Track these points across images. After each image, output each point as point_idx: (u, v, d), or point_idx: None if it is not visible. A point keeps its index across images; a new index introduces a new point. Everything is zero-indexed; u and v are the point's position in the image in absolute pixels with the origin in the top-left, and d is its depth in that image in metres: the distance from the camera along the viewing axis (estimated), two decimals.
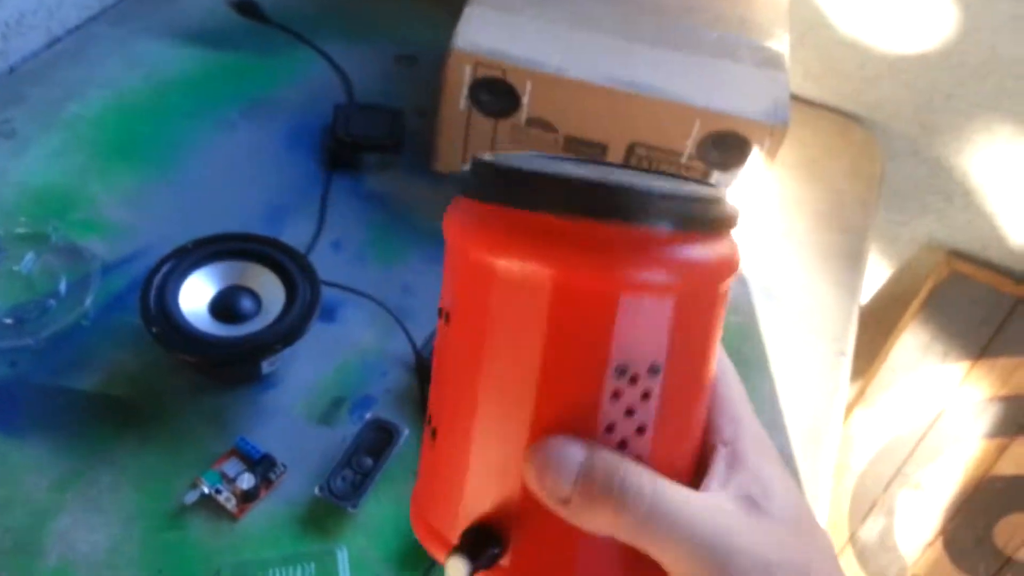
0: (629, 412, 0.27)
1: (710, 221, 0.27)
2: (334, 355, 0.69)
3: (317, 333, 0.68)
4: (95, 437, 0.62)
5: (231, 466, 0.61)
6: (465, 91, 0.75)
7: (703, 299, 0.28)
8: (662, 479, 0.27)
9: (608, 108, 0.73)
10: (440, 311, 0.30)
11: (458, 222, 0.28)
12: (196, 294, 0.64)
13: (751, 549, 0.26)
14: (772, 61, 0.78)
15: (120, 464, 0.61)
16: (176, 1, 0.98)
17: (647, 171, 0.33)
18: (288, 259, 0.66)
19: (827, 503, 0.71)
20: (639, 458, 0.27)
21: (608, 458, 0.26)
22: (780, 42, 0.80)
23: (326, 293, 0.71)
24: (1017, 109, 0.94)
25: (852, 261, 0.87)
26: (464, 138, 0.79)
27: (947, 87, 0.96)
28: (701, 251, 0.27)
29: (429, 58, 0.94)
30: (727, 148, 0.74)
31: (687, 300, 0.27)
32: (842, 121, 1.02)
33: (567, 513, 0.26)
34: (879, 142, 1.01)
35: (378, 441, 0.63)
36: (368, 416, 0.65)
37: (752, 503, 0.28)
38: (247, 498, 0.60)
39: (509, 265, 0.26)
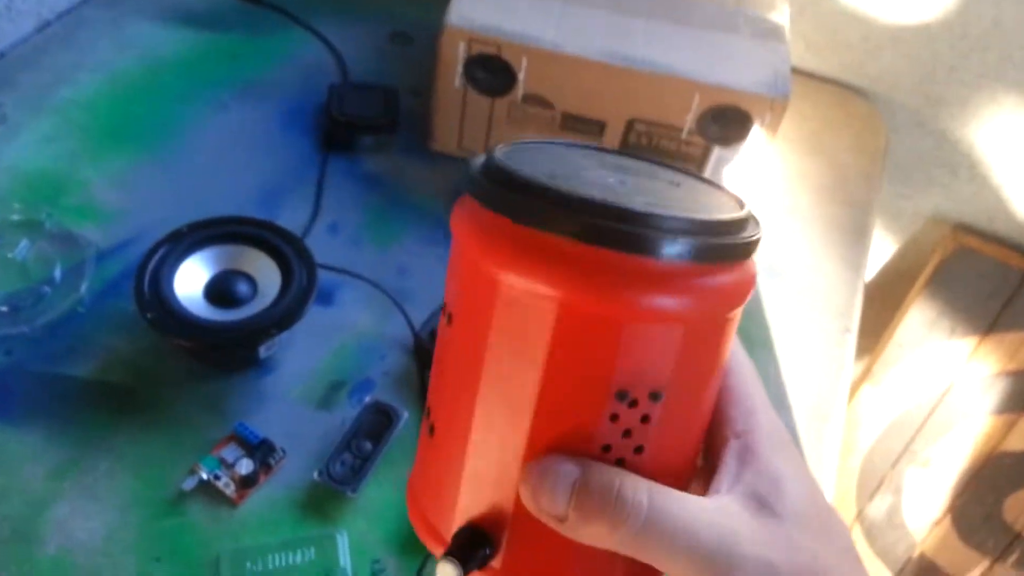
0: (627, 433, 0.27)
1: (726, 252, 0.26)
2: (332, 339, 0.69)
3: (315, 317, 0.67)
4: (92, 424, 0.62)
5: (230, 452, 0.61)
6: (460, 69, 0.74)
7: (712, 327, 0.27)
8: (660, 489, 0.26)
9: (606, 84, 0.72)
10: (443, 307, 0.29)
11: (466, 226, 0.27)
12: (191, 279, 0.63)
13: (756, 554, 0.25)
14: (772, 33, 0.76)
15: (117, 451, 0.61)
16: None
17: (671, 168, 0.32)
18: (284, 242, 0.65)
19: (833, 481, 0.70)
20: (637, 473, 0.27)
21: (602, 474, 0.26)
22: (780, 14, 0.78)
23: (323, 276, 0.71)
24: (1021, 79, 0.93)
25: (856, 236, 0.86)
26: (460, 117, 0.78)
27: (950, 58, 0.94)
28: (714, 282, 0.26)
29: (424, 36, 0.93)
30: (727, 122, 0.73)
31: (695, 328, 0.26)
32: (844, 94, 1.00)
33: (564, 529, 0.26)
34: (882, 115, 1.00)
35: (377, 424, 0.63)
36: (367, 400, 0.64)
37: (761, 503, 0.27)
38: (246, 484, 0.59)
39: (516, 282, 0.25)
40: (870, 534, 1.28)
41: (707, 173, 0.77)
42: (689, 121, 0.73)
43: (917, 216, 1.09)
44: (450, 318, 0.28)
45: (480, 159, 0.28)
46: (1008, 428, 1.12)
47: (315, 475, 0.60)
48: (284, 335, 0.63)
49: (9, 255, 0.69)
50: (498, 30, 0.71)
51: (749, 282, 0.27)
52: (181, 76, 0.87)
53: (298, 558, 0.57)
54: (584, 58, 0.71)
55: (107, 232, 0.72)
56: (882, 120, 0.99)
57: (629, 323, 0.25)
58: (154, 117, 0.82)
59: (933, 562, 1.26)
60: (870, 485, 1.24)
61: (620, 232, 0.24)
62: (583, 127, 0.76)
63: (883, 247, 1.13)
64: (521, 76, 0.73)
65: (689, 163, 0.76)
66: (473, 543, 0.28)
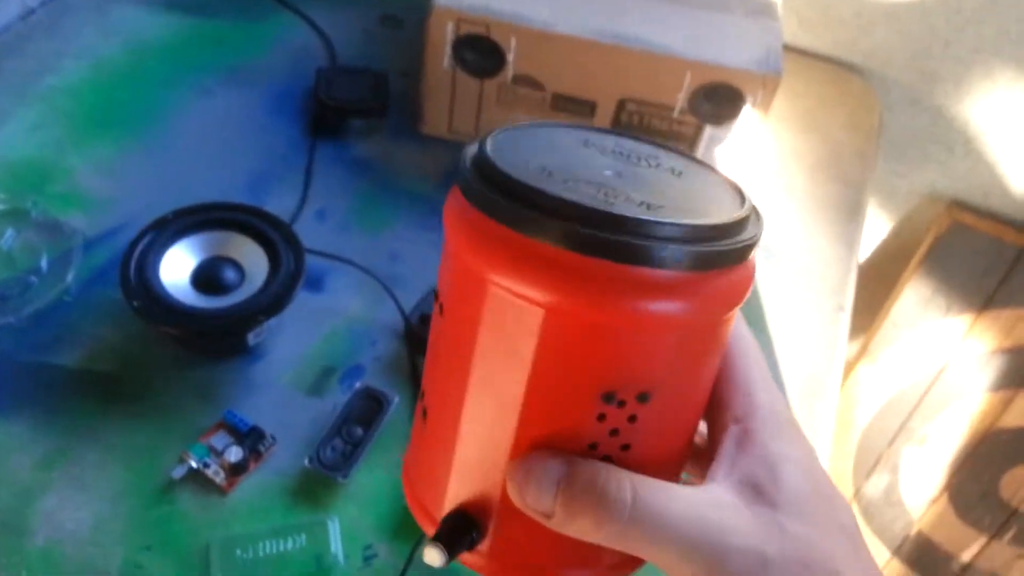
0: (614, 432, 0.26)
1: (721, 259, 0.25)
2: (322, 325, 0.68)
3: (304, 303, 0.67)
4: (80, 414, 0.61)
5: (219, 439, 0.61)
6: (448, 50, 0.73)
7: (706, 329, 0.27)
8: (646, 483, 0.26)
9: (596, 63, 0.71)
10: (436, 296, 0.29)
11: (456, 222, 0.26)
12: (177, 266, 0.63)
13: (745, 545, 0.25)
14: (764, 10, 0.75)
15: (106, 441, 0.60)
16: None
17: (673, 152, 0.31)
18: (271, 228, 0.65)
19: (827, 459, 0.70)
20: (625, 468, 0.27)
21: (587, 469, 0.26)
22: None
23: (312, 263, 0.70)
24: (1018, 54, 0.92)
25: (850, 214, 0.85)
26: (450, 99, 0.77)
27: (945, 33, 0.93)
28: (708, 287, 0.25)
29: (414, 19, 0.92)
30: (719, 100, 0.72)
31: (687, 333, 0.26)
32: (838, 71, 0.99)
33: (551, 525, 0.26)
34: (877, 92, 0.99)
35: (368, 410, 0.62)
36: (358, 385, 0.64)
37: (756, 490, 0.26)
38: (236, 471, 0.59)
39: (503, 285, 0.25)
40: (867, 513, 1.28)
41: (699, 153, 0.76)
42: (681, 100, 0.72)
43: (912, 194, 1.08)
44: (441, 308, 0.28)
45: (472, 149, 0.27)
46: (1004, 405, 1.12)
47: (305, 461, 0.60)
48: (273, 321, 0.62)
49: None
50: (487, 9, 0.71)
51: (746, 283, 0.27)
52: (167, 62, 0.86)
53: (289, 545, 0.57)
54: (574, 37, 0.70)
55: (94, 220, 0.72)
56: (876, 97, 0.98)
57: (617, 329, 0.25)
58: (140, 104, 0.82)
59: (930, 539, 1.26)
60: (867, 464, 1.24)
61: (608, 241, 0.23)
62: (574, 107, 0.75)
63: (878, 226, 1.12)
64: (510, 56, 0.72)
65: (681, 143, 0.76)
66: (461, 528, 0.28)
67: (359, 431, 0.61)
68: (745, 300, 0.27)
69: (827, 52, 1.00)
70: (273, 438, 0.61)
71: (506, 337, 0.25)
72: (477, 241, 0.25)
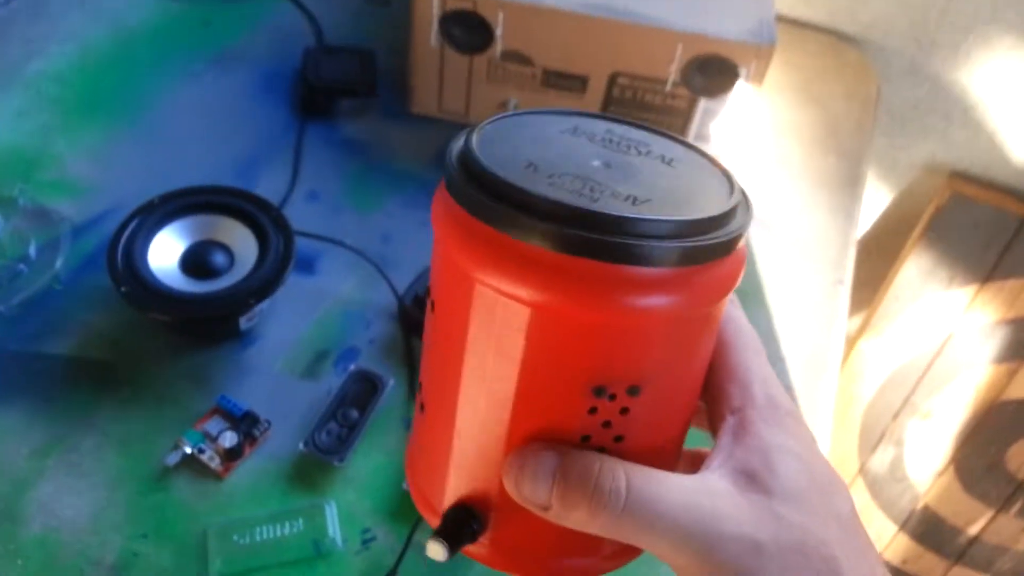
0: (607, 424, 0.27)
1: (707, 253, 0.25)
2: (315, 308, 0.67)
3: (297, 286, 0.66)
4: (74, 402, 0.61)
5: (213, 425, 0.60)
6: (435, 26, 0.72)
7: (693, 321, 0.27)
8: (640, 473, 0.26)
9: (586, 37, 0.70)
10: (428, 291, 0.29)
11: (443, 220, 0.26)
12: (166, 251, 0.62)
13: (739, 533, 0.25)
14: None
15: (100, 428, 0.60)
16: None
17: (664, 137, 0.30)
18: (259, 210, 0.64)
19: (828, 434, 0.70)
20: (619, 458, 0.27)
21: (581, 462, 0.26)
22: None
23: (304, 245, 0.70)
24: (1017, 20, 0.90)
25: (849, 186, 0.84)
26: (439, 77, 0.76)
27: (942, 1, 0.92)
28: (694, 281, 0.25)
29: None
30: (712, 73, 0.71)
31: (675, 326, 0.26)
32: (835, 42, 0.98)
33: (548, 516, 0.27)
34: (874, 62, 0.97)
35: (363, 392, 0.62)
36: (352, 368, 0.63)
37: (750, 478, 0.27)
38: (231, 456, 0.59)
39: (490, 283, 0.25)
40: (873, 488, 1.28)
41: (693, 126, 0.75)
42: (673, 72, 0.71)
43: (912, 165, 1.07)
44: (432, 305, 0.29)
45: (458, 144, 0.27)
46: (1009, 377, 1.12)
47: (301, 446, 0.59)
48: (266, 305, 0.61)
49: None
50: None
51: (733, 273, 0.27)
52: (153, 45, 0.85)
53: (286, 530, 0.57)
54: (562, 10, 0.69)
55: (82, 206, 0.71)
56: (873, 68, 0.97)
57: (605, 326, 0.25)
58: (127, 88, 0.81)
59: (936, 513, 1.26)
60: (872, 439, 1.23)
61: (592, 241, 0.23)
62: (565, 83, 0.74)
63: (878, 198, 1.11)
64: (498, 32, 0.71)
65: (675, 117, 0.75)
66: (462, 521, 0.28)
67: (355, 414, 0.61)
68: (735, 288, 0.27)
69: (823, 23, 0.98)
70: (268, 423, 0.60)
71: (495, 334, 0.26)
72: (463, 239, 0.25)
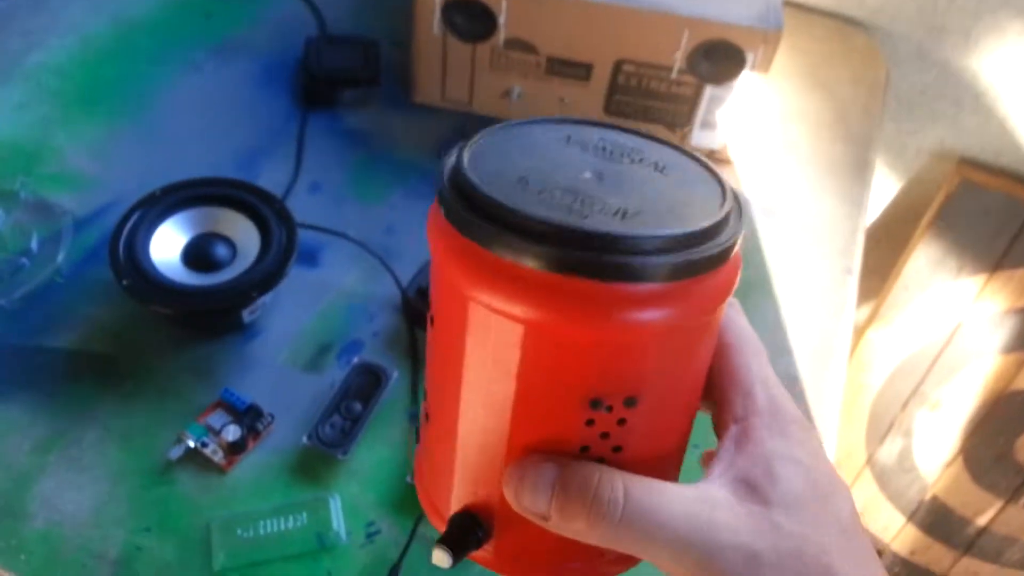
0: (605, 435, 0.27)
1: (699, 266, 0.25)
2: (319, 300, 0.67)
3: (300, 278, 0.65)
4: (76, 396, 0.60)
5: (216, 418, 0.60)
6: (438, 14, 0.71)
7: (688, 332, 0.27)
8: (638, 483, 0.26)
9: (590, 23, 0.69)
10: (429, 304, 0.30)
11: (437, 238, 0.27)
12: (168, 243, 0.62)
13: (736, 542, 0.25)
14: None
15: (103, 422, 0.60)
16: None
17: (658, 143, 0.30)
18: (261, 202, 0.63)
19: (836, 424, 0.69)
20: (619, 468, 0.27)
21: (580, 472, 0.26)
22: None
23: (307, 237, 0.69)
24: None
25: (857, 173, 0.83)
26: (442, 66, 0.75)
27: None
28: (687, 293, 0.25)
29: None
30: (719, 59, 0.70)
31: (668, 338, 0.26)
32: (843, 27, 0.97)
33: (548, 526, 0.27)
34: (882, 47, 0.96)
35: (367, 385, 0.61)
36: (356, 360, 0.63)
37: (750, 488, 0.27)
38: (234, 450, 0.58)
39: (484, 302, 0.25)
40: (881, 478, 1.27)
41: (699, 114, 0.74)
42: (679, 59, 0.70)
43: (921, 152, 1.06)
44: (432, 319, 0.29)
45: (450, 160, 0.27)
46: (1018, 367, 1.11)
47: (305, 439, 0.59)
48: (269, 298, 0.61)
49: None
50: None
51: (727, 283, 0.27)
52: (154, 37, 0.84)
53: (290, 523, 0.56)
54: None
55: (83, 199, 0.70)
56: (881, 53, 0.96)
57: (598, 342, 0.25)
58: (128, 80, 0.80)
59: (945, 504, 1.25)
60: (880, 429, 1.23)
61: (581, 260, 0.24)
62: (569, 71, 0.73)
63: (886, 186, 1.10)
64: (501, 19, 0.70)
65: (681, 104, 0.74)
66: (467, 529, 0.29)
67: (358, 407, 0.60)
68: (730, 296, 0.27)
69: (830, 7, 0.97)
70: (271, 416, 0.60)
71: (490, 350, 0.26)
72: (455, 257, 0.26)
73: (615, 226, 0.24)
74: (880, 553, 1.35)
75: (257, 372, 0.63)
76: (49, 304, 0.64)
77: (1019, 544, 1.25)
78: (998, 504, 1.22)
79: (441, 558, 0.28)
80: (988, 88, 0.97)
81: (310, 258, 0.69)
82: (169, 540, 0.55)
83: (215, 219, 0.63)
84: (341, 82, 0.79)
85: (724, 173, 0.29)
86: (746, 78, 0.71)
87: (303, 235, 0.64)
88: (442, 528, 0.30)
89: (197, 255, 0.62)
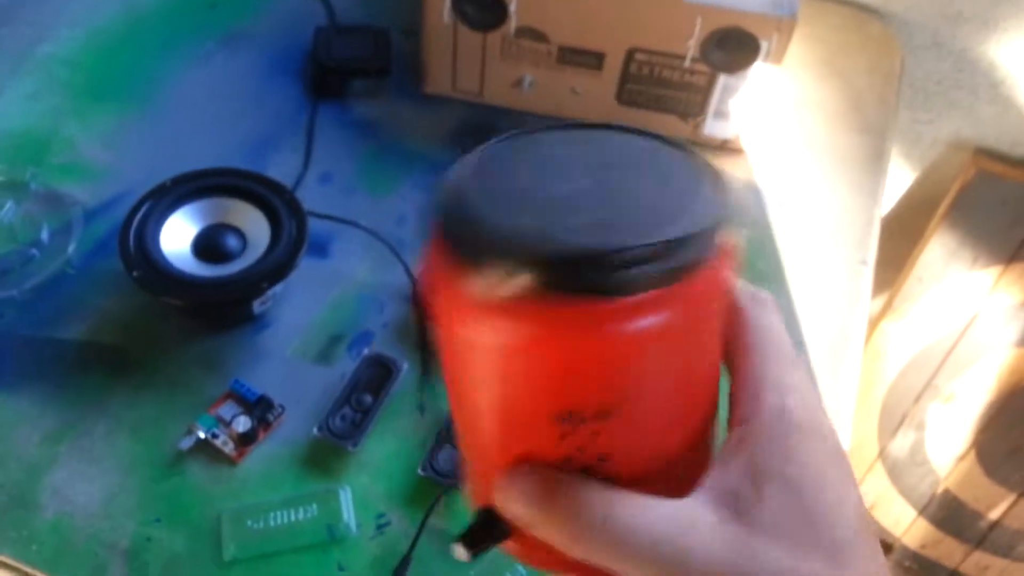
0: (581, 449, 0.26)
1: (685, 269, 0.24)
2: (329, 291, 0.67)
3: (310, 269, 0.65)
4: (86, 387, 0.60)
5: (227, 409, 0.60)
6: (448, 2, 0.70)
7: (674, 339, 0.25)
8: (621, 499, 0.26)
9: (602, 11, 0.69)
10: None
11: (426, 260, 0.27)
12: (178, 234, 0.62)
13: (708, 571, 0.24)
14: None
15: (113, 413, 0.59)
16: None
17: (666, 144, 0.28)
18: (271, 193, 0.63)
19: (850, 418, 0.68)
20: (607, 477, 0.27)
21: (560, 487, 0.26)
22: None
23: (318, 228, 0.69)
24: None
25: (872, 163, 0.82)
26: (452, 56, 0.75)
27: None
28: (665, 303, 0.24)
29: None
30: (732, 47, 0.69)
31: (648, 347, 0.25)
32: (858, 14, 0.95)
33: (537, 536, 0.27)
34: (898, 35, 0.95)
35: (377, 377, 0.61)
36: (366, 352, 0.62)
37: (736, 506, 0.25)
38: (245, 441, 0.58)
39: (459, 322, 0.26)
40: (893, 472, 1.26)
41: (712, 103, 0.73)
42: (692, 48, 0.70)
43: (936, 142, 1.04)
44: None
45: (443, 177, 0.27)
46: None
47: (315, 430, 0.58)
48: (279, 289, 0.61)
49: None
50: None
51: (719, 280, 0.26)
52: (163, 27, 0.84)
53: (300, 515, 0.56)
54: None
55: (94, 190, 0.70)
56: (897, 41, 0.94)
57: (566, 356, 0.24)
58: (137, 70, 0.80)
59: (957, 498, 1.24)
60: (892, 422, 1.22)
61: (561, 282, 0.23)
62: (581, 60, 0.72)
63: (901, 176, 1.09)
64: (512, 7, 0.70)
65: (694, 93, 0.73)
66: (486, 525, 0.29)
67: (368, 399, 0.60)
68: (720, 297, 0.26)
69: None
70: (282, 407, 0.60)
71: (466, 365, 0.27)
72: (433, 275, 0.26)
73: (583, 239, 0.23)
74: (890, 547, 1.34)
75: (267, 363, 0.63)
76: (59, 295, 0.64)
77: None
78: (1011, 498, 1.21)
79: (460, 552, 0.28)
80: (1005, 77, 0.96)
81: (320, 249, 0.69)
82: (179, 531, 0.55)
83: (225, 210, 0.63)
84: (351, 72, 0.78)
85: (730, 176, 0.28)
86: (760, 67, 0.70)
87: (313, 226, 0.64)
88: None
89: (207, 246, 0.61)
